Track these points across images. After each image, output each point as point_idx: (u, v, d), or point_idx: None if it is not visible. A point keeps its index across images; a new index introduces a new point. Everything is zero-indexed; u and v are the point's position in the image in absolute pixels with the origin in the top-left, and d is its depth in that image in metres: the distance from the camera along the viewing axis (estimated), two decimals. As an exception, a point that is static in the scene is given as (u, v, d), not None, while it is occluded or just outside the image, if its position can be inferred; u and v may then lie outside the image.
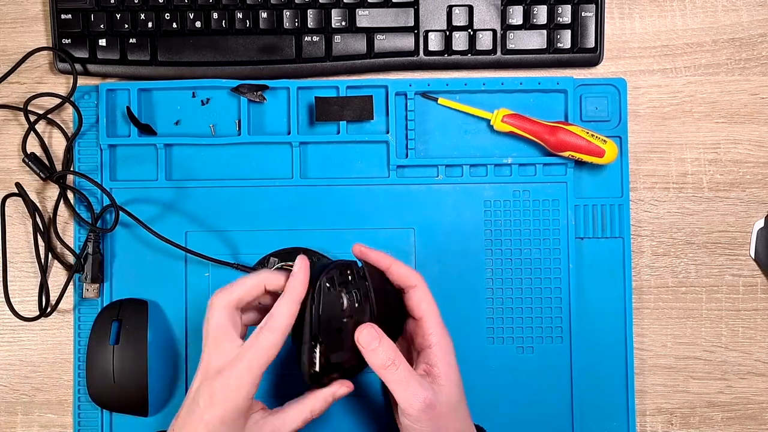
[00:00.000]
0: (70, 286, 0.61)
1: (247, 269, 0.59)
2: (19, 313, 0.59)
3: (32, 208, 0.60)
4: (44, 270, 0.60)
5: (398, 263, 0.52)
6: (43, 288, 0.60)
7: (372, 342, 0.48)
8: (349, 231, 0.61)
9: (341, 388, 0.50)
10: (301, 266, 0.48)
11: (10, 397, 0.61)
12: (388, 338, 0.48)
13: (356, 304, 0.49)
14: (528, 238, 0.61)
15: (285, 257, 0.59)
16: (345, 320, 0.49)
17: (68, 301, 0.61)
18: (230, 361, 0.46)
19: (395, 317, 0.52)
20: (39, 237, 0.60)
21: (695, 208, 0.62)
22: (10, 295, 0.59)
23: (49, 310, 0.60)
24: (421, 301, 0.51)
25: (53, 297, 0.60)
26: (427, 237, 0.61)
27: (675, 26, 0.63)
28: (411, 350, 0.53)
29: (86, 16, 0.60)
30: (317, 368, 0.48)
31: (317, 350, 0.48)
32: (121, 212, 0.59)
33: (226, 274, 0.60)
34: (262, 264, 0.60)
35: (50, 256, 0.61)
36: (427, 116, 0.62)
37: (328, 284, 0.48)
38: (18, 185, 0.60)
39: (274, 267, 0.59)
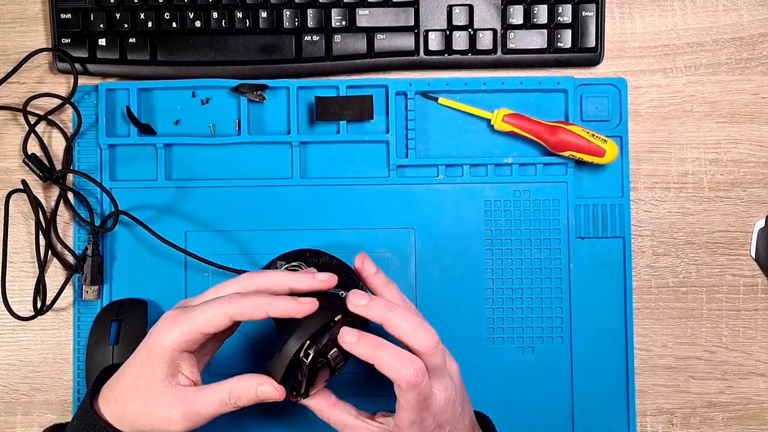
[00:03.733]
0: (69, 287, 0.61)
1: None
2: (18, 313, 0.59)
3: (35, 204, 0.60)
4: (42, 266, 0.60)
5: (386, 353, 0.45)
6: (40, 283, 0.60)
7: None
8: (349, 231, 0.61)
9: (268, 386, 0.46)
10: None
11: (10, 397, 0.61)
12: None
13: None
14: (528, 238, 0.61)
15: (293, 260, 0.57)
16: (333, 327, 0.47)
17: (68, 300, 0.61)
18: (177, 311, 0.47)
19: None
20: (40, 234, 0.60)
21: (696, 208, 0.62)
22: (8, 295, 0.59)
23: (44, 308, 0.60)
24: (397, 402, 0.47)
25: (52, 296, 0.60)
26: (427, 237, 0.61)
27: (675, 26, 0.63)
28: None
29: (86, 15, 0.60)
30: (302, 388, 0.47)
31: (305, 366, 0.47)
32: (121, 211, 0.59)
33: (225, 274, 0.59)
34: (270, 268, 0.59)
35: (50, 253, 0.61)
36: (427, 116, 0.62)
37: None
38: (23, 182, 0.60)
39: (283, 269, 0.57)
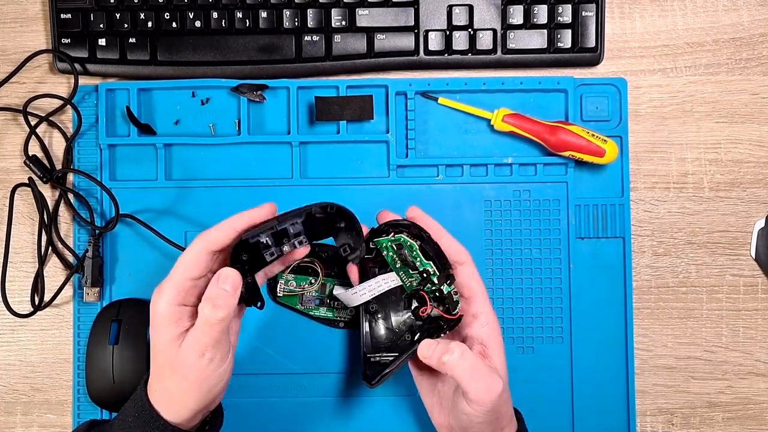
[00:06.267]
0: (69, 286, 0.61)
1: None
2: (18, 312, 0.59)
3: (40, 201, 0.60)
4: (42, 261, 0.60)
5: (449, 236, 0.51)
6: (38, 278, 0.60)
7: (429, 350, 0.47)
8: (349, 231, 0.61)
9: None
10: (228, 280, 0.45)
11: (10, 397, 0.61)
12: (444, 340, 0.48)
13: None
14: (528, 238, 0.61)
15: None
16: None
17: (68, 300, 0.61)
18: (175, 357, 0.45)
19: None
20: (43, 231, 0.60)
21: (696, 207, 0.62)
22: (7, 293, 0.59)
23: (42, 304, 0.60)
24: (471, 280, 0.50)
25: (51, 294, 0.60)
26: (427, 237, 0.61)
27: (675, 26, 0.63)
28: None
29: (86, 15, 0.60)
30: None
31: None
32: (121, 210, 0.59)
33: (225, 274, 0.60)
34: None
35: (50, 250, 0.61)
36: (427, 116, 0.62)
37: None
38: (30, 179, 0.60)
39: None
